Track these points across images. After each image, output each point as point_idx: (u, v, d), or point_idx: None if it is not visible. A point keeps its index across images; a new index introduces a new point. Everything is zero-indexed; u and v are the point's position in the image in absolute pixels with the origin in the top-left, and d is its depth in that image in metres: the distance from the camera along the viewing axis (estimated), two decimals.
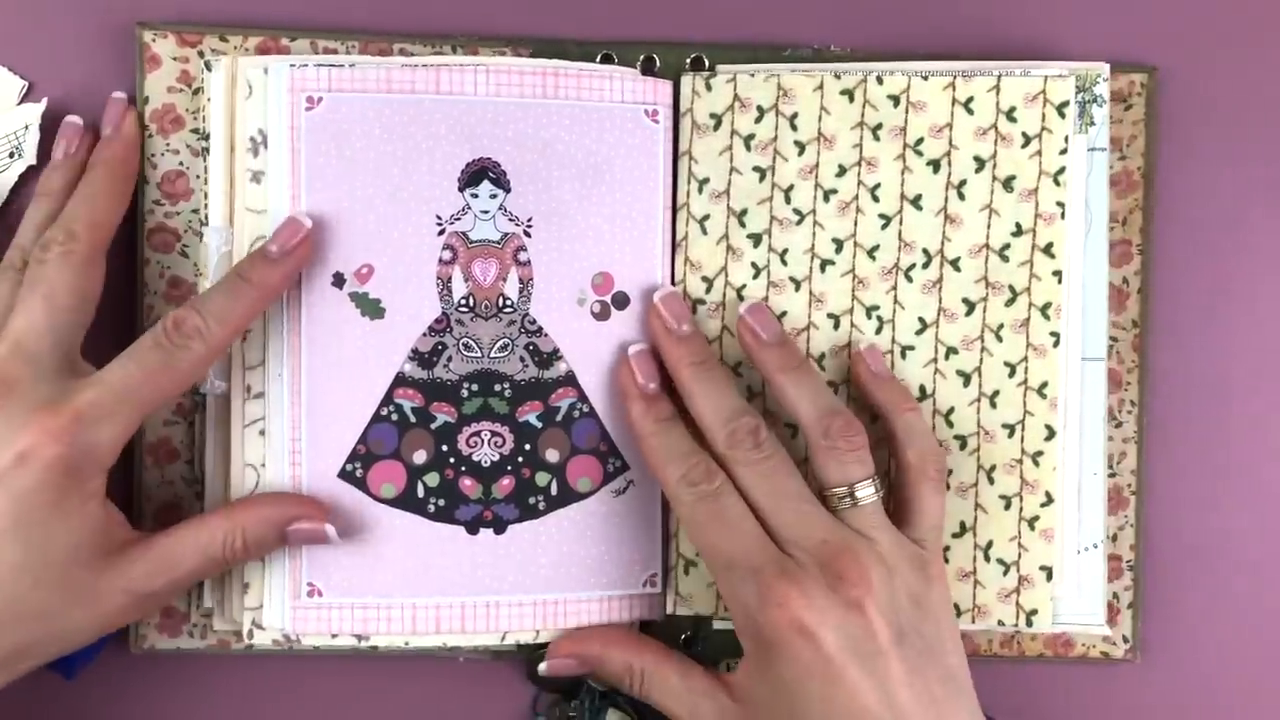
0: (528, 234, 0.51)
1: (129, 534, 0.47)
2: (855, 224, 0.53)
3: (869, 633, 0.46)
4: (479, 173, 0.51)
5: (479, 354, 0.51)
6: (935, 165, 0.52)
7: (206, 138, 0.51)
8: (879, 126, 0.52)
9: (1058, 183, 0.52)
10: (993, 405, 0.53)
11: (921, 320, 0.53)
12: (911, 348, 0.53)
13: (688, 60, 0.54)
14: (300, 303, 0.50)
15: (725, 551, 0.47)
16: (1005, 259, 0.52)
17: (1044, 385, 0.52)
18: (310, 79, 0.50)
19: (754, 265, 0.53)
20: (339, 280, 0.50)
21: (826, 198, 0.53)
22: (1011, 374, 0.52)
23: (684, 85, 0.53)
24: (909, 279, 0.53)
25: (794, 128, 0.52)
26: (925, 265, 0.53)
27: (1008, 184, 0.52)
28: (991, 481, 0.53)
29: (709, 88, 0.53)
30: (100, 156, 0.50)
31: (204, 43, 0.51)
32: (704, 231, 0.53)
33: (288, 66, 0.50)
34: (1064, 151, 0.52)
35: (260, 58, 0.50)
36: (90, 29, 0.52)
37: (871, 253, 0.53)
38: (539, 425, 0.51)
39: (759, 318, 0.51)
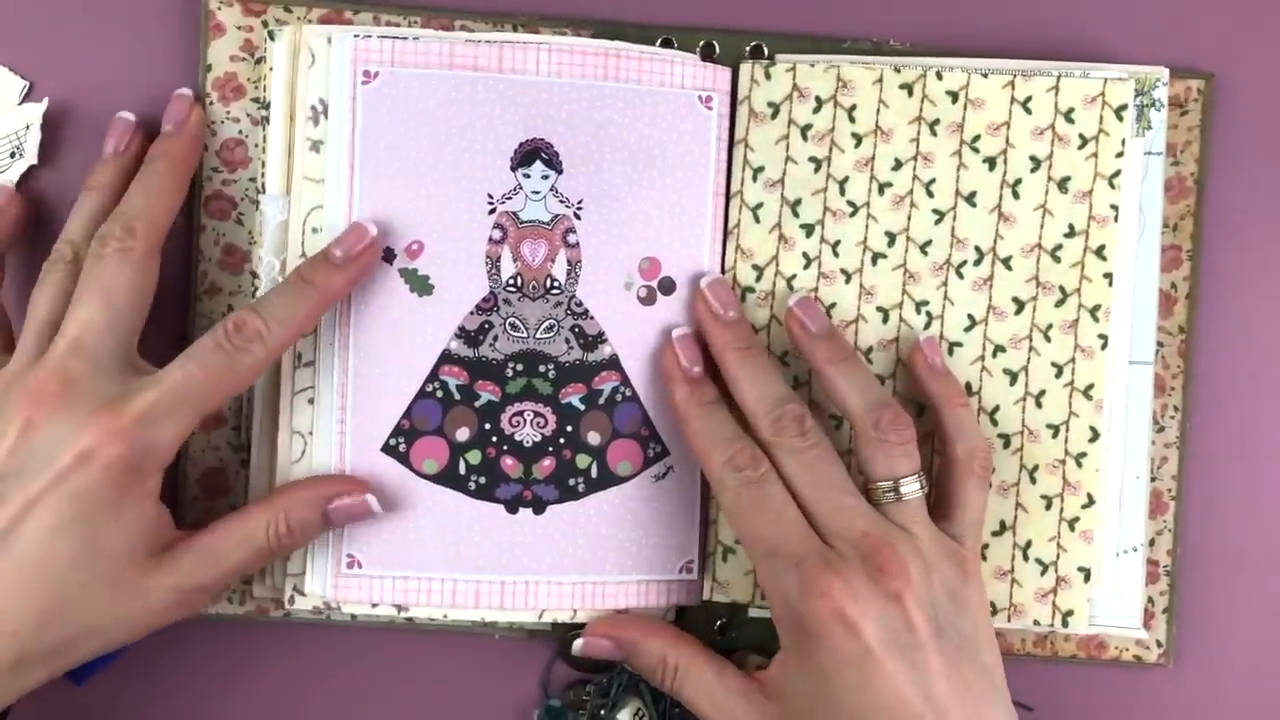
0: (578, 216, 0.51)
1: (174, 532, 0.47)
2: (909, 218, 0.53)
3: (908, 625, 0.46)
4: (532, 153, 0.51)
5: (525, 334, 0.51)
6: (991, 163, 0.52)
7: (266, 106, 0.51)
8: (936, 122, 0.52)
9: (1113, 186, 0.52)
10: (1038, 405, 0.53)
11: (971, 317, 0.53)
12: (959, 344, 0.53)
13: (747, 48, 0.54)
14: None
15: (767, 539, 0.48)
16: (1057, 259, 0.52)
17: (1090, 387, 0.52)
18: (374, 50, 0.50)
19: (805, 255, 0.53)
20: (389, 255, 0.50)
21: (881, 191, 0.53)
22: (1058, 374, 0.52)
23: (743, 73, 0.53)
24: (960, 275, 0.53)
25: (852, 119, 0.52)
26: (977, 262, 0.53)
27: (1063, 185, 0.52)
28: (1033, 481, 0.53)
29: (768, 76, 0.53)
30: (161, 150, 0.50)
31: (268, 12, 0.52)
32: (756, 220, 0.53)
33: (351, 37, 0.50)
34: (1120, 155, 0.52)
35: (324, 27, 0.50)
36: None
37: (924, 248, 0.53)
38: (581, 408, 0.51)
39: (808, 310, 0.51)
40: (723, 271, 0.53)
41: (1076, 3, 0.55)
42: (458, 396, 0.51)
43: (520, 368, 0.51)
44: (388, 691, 0.54)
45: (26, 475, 0.44)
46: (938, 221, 0.53)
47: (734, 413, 0.50)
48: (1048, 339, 0.52)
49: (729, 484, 0.48)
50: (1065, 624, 0.53)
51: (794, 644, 0.47)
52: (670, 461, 0.53)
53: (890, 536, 0.47)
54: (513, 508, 0.51)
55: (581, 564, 0.52)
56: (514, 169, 0.51)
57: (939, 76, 0.52)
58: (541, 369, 0.51)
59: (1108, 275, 0.52)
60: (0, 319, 0.51)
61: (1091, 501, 0.52)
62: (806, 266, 0.53)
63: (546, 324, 0.51)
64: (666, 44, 0.54)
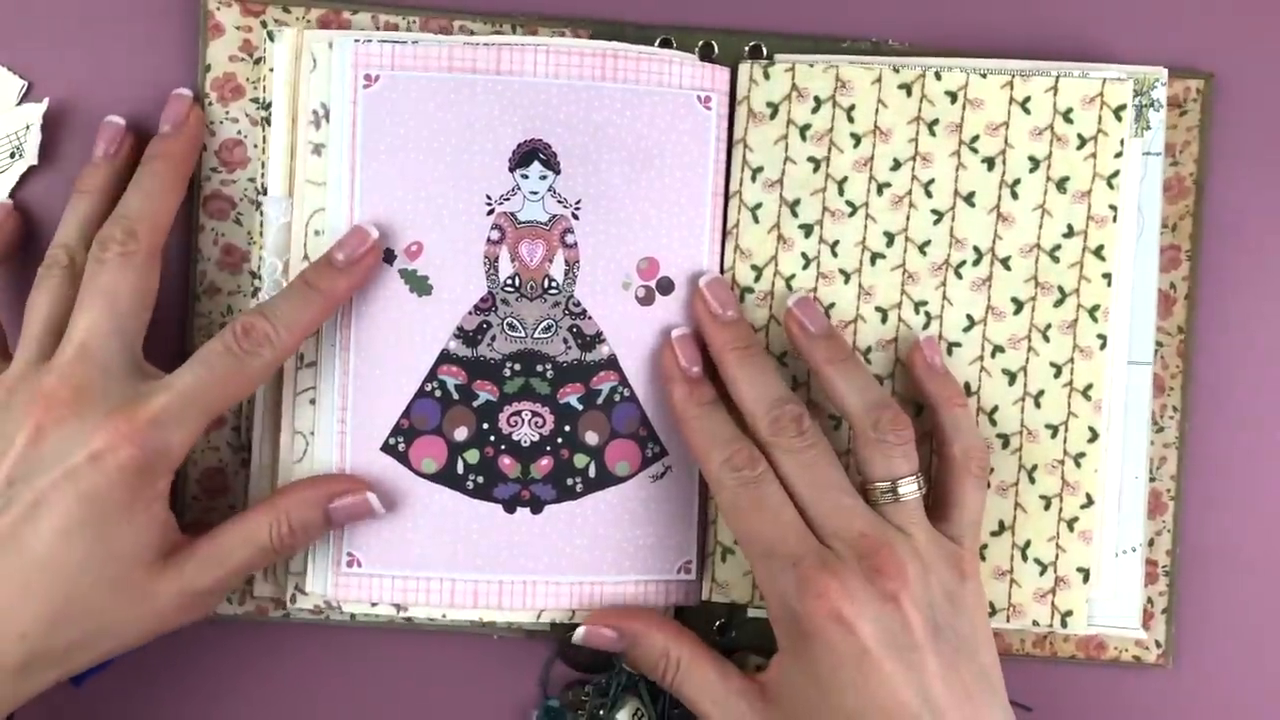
0: (575, 216, 0.51)
1: (179, 536, 0.47)
2: (907, 218, 0.53)
3: (905, 626, 0.46)
4: (530, 153, 0.51)
5: (523, 334, 0.51)
6: (990, 163, 0.52)
7: (266, 107, 0.51)
8: (935, 122, 0.52)
9: (1111, 186, 0.52)
10: (1037, 405, 0.53)
11: (969, 317, 0.53)
12: (958, 344, 0.53)
13: (746, 48, 0.54)
14: None
15: (764, 539, 0.48)
16: (1056, 260, 0.52)
17: (1089, 387, 0.52)
18: (374, 55, 0.50)
19: (804, 255, 0.53)
20: (389, 256, 0.50)
21: (880, 191, 0.53)
22: (1057, 375, 0.52)
23: (741, 73, 0.53)
24: (959, 276, 0.53)
25: (850, 119, 0.52)
26: (975, 262, 0.53)
27: (1061, 185, 0.52)
28: (1032, 481, 0.53)
29: (767, 76, 0.53)
30: (160, 150, 0.50)
31: (267, 13, 0.52)
32: (755, 220, 0.53)
33: (352, 42, 0.50)
34: (1119, 155, 0.52)
35: (325, 32, 0.51)
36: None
37: (922, 248, 0.53)
38: (579, 407, 0.52)
39: (807, 311, 0.51)
40: (721, 272, 0.53)
41: (1076, 3, 0.55)
42: (456, 396, 0.51)
43: (518, 367, 0.51)
44: (387, 691, 0.54)
45: (36, 477, 0.44)
46: (936, 222, 0.53)
47: (733, 413, 0.50)
48: (1046, 339, 0.52)
49: (726, 484, 0.48)
50: (1064, 624, 0.53)
51: (791, 645, 0.47)
52: (669, 461, 0.53)
53: (887, 537, 0.47)
54: (510, 507, 0.51)
55: (579, 564, 0.52)
56: (512, 170, 0.51)
57: (938, 77, 0.52)
58: (539, 369, 0.51)
59: (1106, 275, 0.52)
60: None
61: (1090, 502, 0.52)
62: (805, 267, 0.53)
63: (544, 324, 0.51)
64: (665, 44, 0.54)
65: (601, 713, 0.54)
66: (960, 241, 0.53)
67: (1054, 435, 0.53)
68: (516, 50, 0.50)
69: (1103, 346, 0.52)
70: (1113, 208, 0.52)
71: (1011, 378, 0.53)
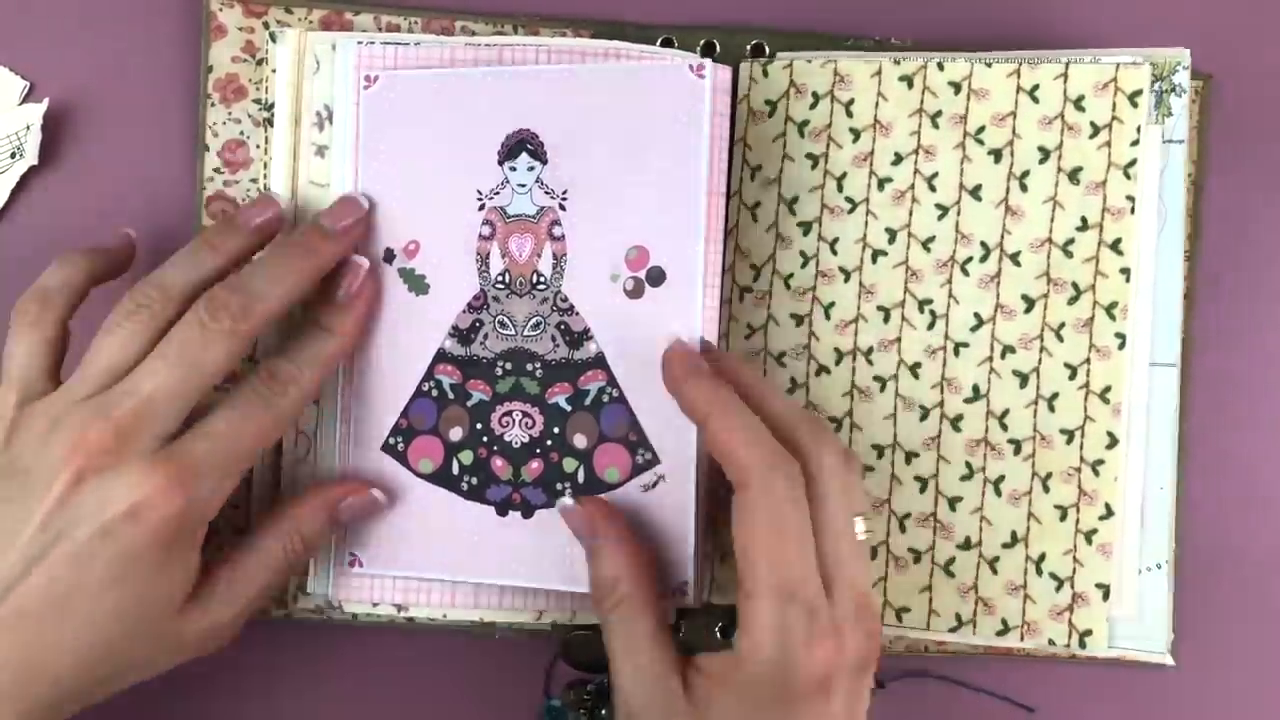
0: (563, 207, 0.50)
1: (201, 575, 0.47)
2: (910, 214, 0.51)
3: (860, 702, 0.44)
4: (518, 145, 0.51)
5: (513, 332, 0.51)
6: (997, 155, 0.50)
7: (268, 108, 0.52)
8: (938, 114, 0.50)
9: (1128, 175, 0.49)
10: (1051, 409, 0.49)
11: (977, 316, 0.50)
12: (965, 345, 0.50)
13: (748, 47, 0.53)
14: None
15: (788, 575, 0.43)
16: (1069, 254, 0.49)
17: (1107, 390, 0.49)
18: (377, 56, 0.51)
19: (803, 254, 0.51)
20: (389, 256, 0.51)
21: (881, 186, 0.51)
22: (1072, 376, 0.49)
23: (742, 72, 0.52)
24: (965, 273, 0.50)
25: (849, 114, 0.51)
26: (983, 259, 0.50)
27: (1074, 176, 0.49)
28: (1047, 490, 0.49)
29: (765, 74, 0.52)
30: (310, 245, 0.48)
31: (269, 14, 0.53)
32: (755, 219, 0.52)
33: (355, 44, 0.51)
34: (1136, 143, 0.49)
35: (328, 34, 0.52)
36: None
37: (926, 244, 0.51)
38: (568, 408, 0.51)
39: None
40: (723, 271, 0.52)
41: (1076, 2, 0.54)
42: (451, 395, 0.51)
43: (509, 366, 0.51)
44: (388, 691, 0.54)
45: (75, 528, 0.43)
46: (941, 217, 0.50)
47: None
48: (1060, 338, 0.49)
49: (777, 490, 0.43)
50: (1083, 644, 0.49)
51: (763, 676, 0.43)
52: (660, 471, 0.50)
53: (874, 598, 0.44)
54: (502, 510, 0.51)
55: (569, 577, 0.50)
56: (501, 162, 0.51)
57: (940, 67, 0.50)
58: (529, 367, 0.51)
59: (1125, 270, 0.49)
60: (62, 346, 0.48)
61: (1110, 513, 0.49)
62: (804, 265, 0.51)
63: (534, 321, 0.51)
64: (667, 44, 0.53)
65: (603, 713, 0.53)
66: (966, 237, 0.50)
67: (1069, 441, 0.49)
68: (519, 50, 0.51)
69: (1121, 346, 0.49)
70: (1130, 199, 0.49)
71: (1023, 380, 0.50)
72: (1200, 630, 0.54)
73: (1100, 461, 0.49)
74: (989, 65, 0.50)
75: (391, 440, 0.51)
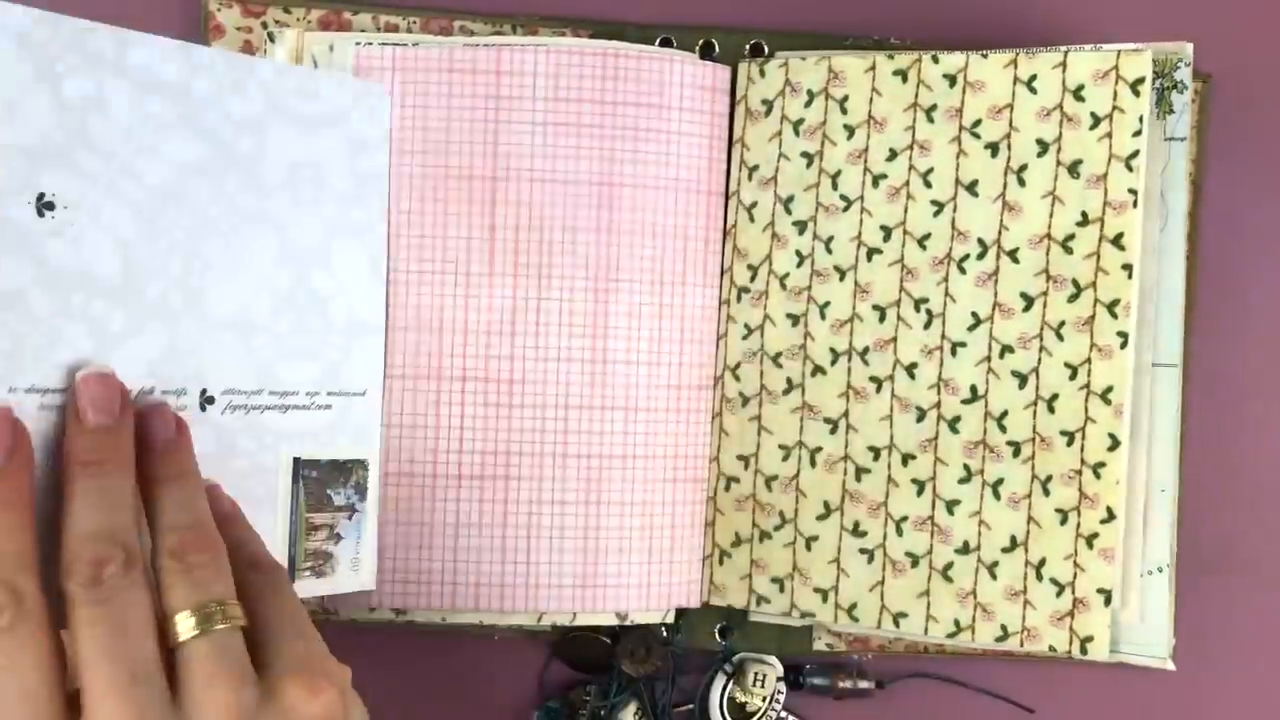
0: None
1: None
2: (905, 211, 0.50)
3: None
4: None
5: None
6: (993, 149, 0.49)
7: None
8: (933, 108, 0.49)
9: (1130, 168, 0.47)
10: (1050, 410, 0.48)
11: (974, 315, 0.49)
12: (963, 344, 0.49)
13: (747, 47, 0.52)
14: None
15: None
16: (1069, 250, 0.48)
17: (1109, 390, 0.47)
18: (375, 56, 0.51)
19: (798, 253, 0.50)
20: None
21: (875, 183, 0.50)
22: (1073, 376, 0.48)
23: (740, 72, 0.51)
24: (962, 270, 0.49)
25: (844, 111, 0.50)
26: (980, 256, 0.49)
27: (1073, 169, 0.48)
28: (1047, 493, 0.48)
29: (763, 74, 0.51)
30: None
31: (268, 14, 0.53)
32: (752, 219, 0.51)
33: (353, 45, 0.51)
34: (1138, 133, 0.47)
35: (325, 34, 0.52)
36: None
37: (922, 241, 0.49)
38: None
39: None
40: (721, 273, 0.51)
41: (1076, 3, 0.53)
42: None
43: None
44: (387, 691, 0.54)
45: None
46: (937, 213, 0.49)
47: None
48: (1060, 337, 0.48)
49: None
50: (1084, 651, 0.47)
51: None
52: None
53: None
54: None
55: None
56: None
57: (935, 60, 0.49)
58: None
59: (1127, 266, 0.47)
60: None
61: (1112, 516, 0.47)
62: (800, 264, 0.50)
63: None
64: (666, 43, 0.53)
65: (603, 713, 0.53)
66: (963, 234, 0.49)
67: (1070, 443, 0.48)
68: (517, 50, 0.51)
69: (1123, 345, 0.47)
70: (1132, 192, 0.47)
71: (1022, 380, 0.48)
72: (1200, 630, 0.54)
73: (1102, 464, 0.47)
74: (985, 57, 0.49)
75: None
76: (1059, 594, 0.48)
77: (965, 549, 0.49)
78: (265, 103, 0.45)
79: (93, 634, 0.35)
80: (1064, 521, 0.48)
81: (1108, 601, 0.47)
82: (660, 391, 0.51)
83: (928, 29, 0.53)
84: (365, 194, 0.48)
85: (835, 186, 0.50)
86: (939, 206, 0.49)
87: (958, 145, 0.49)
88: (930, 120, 0.49)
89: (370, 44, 0.51)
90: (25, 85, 0.39)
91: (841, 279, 0.50)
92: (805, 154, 0.50)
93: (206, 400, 0.43)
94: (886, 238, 0.50)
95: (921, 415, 0.49)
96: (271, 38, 0.52)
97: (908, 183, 0.49)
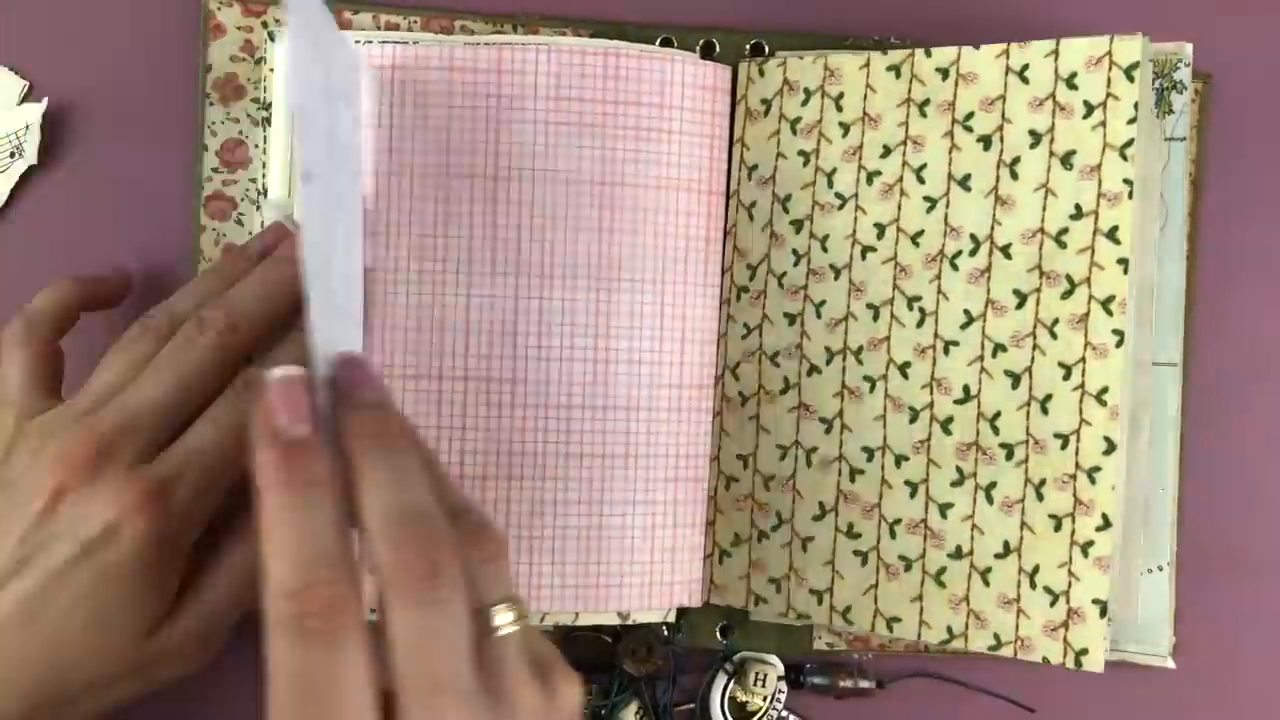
0: None
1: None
2: (898, 208, 0.49)
3: None
4: None
5: None
6: (986, 142, 0.47)
7: (266, 107, 0.53)
8: (926, 102, 0.48)
9: (1125, 158, 0.45)
10: (1044, 411, 0.46)
11: (967, 313, 0.47)
12: (955, 343, 0.48)
13: (747, 47, 0.52)
14: None
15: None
16: (1062, 245, 0.46)
17: (1104, 391, 0.45)
18: (375, 55, 0.52)
19: (794, 252, 0.50)
20: None
21: (870, 180, 0.49)
22: (1066, 376, 0.46)
23: (740, 72, 0.51)
24: (954, 267, 0.48)
25: (839, 108, 0.49)
26: (972, 252, 0.47)
27: (1066, 160, 0.46)
28: (1040, 498, 0.46)
29: (762, 73, 0.51)
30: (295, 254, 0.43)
31: (268, 13, 0.54)
32: (751, 218, 0.51)
33: (353, 43, 0.52)
34: (1133, 121, 0.45)
35: None
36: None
37: (915, 239, 0.48)
38: None
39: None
40: (722, 273, 0.51)
41: (1076, 3, 0.53)
42: None
43: None
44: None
45: (53, 545, 0.42)
46: (929, 209, 0.48)
47: None
48: (1054, 336, 0.46)
49: (280, 627, 0.33)
50: (1079, 664, 0.45)
51: None
52: None
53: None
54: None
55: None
56: None
57: (928, 54, 0.48)
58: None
59: (1122, 261, 0.45)
60: (55, 365, 0.48)
61: (1107, 523, 0.45)
62: (796, 263, 0.50)
63: None
64: (666, 43, 0.53)
65: (603, 712, 0.53)
66: (955, 230, 0.48)
67: (1064, 446, 0.46)
68: (518, 49, 0.51)
69: (1119, 344, 0.45)
70: (1127, 182, 0.45)
71: (1015, 380, 0.47)
72: (1200, 630, 0.54)
73: (1097, 468, 0.45)
74: (977, 48, 0.48)
75: None
76: (1053, 603, 0.46)
77: (958, 553, 0.47)
78: None
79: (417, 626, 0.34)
80: (1058, 528, 0.46)
81: (1103, 613, 0.45)
82: (663, 391, 0.51)
83: (927, 29, 0.52)
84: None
85: (831, 184, 0.49)
86: (932, 202, 0.48)
87: (950, 139, 0.48)
88: (923, 115, 0.48)
89: (370, 42, 0.52)
90: None
91: (836, 277, 0.49)
92: (802, 152, 0.50)
93: None
94: (880, 235, 0.49)
95: (914, 416, 0.48)
96: (272, 37, 0.53)
97: (901, 179, 0.49)
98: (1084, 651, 0.45)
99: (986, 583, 0.47)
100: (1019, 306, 0.47)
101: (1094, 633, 0.45)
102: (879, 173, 0.49)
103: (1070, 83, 0.46)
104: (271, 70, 0.53)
